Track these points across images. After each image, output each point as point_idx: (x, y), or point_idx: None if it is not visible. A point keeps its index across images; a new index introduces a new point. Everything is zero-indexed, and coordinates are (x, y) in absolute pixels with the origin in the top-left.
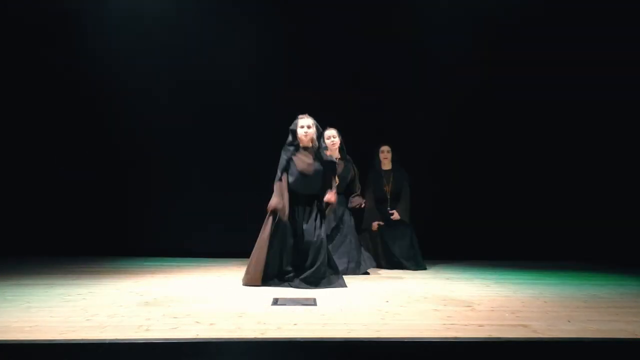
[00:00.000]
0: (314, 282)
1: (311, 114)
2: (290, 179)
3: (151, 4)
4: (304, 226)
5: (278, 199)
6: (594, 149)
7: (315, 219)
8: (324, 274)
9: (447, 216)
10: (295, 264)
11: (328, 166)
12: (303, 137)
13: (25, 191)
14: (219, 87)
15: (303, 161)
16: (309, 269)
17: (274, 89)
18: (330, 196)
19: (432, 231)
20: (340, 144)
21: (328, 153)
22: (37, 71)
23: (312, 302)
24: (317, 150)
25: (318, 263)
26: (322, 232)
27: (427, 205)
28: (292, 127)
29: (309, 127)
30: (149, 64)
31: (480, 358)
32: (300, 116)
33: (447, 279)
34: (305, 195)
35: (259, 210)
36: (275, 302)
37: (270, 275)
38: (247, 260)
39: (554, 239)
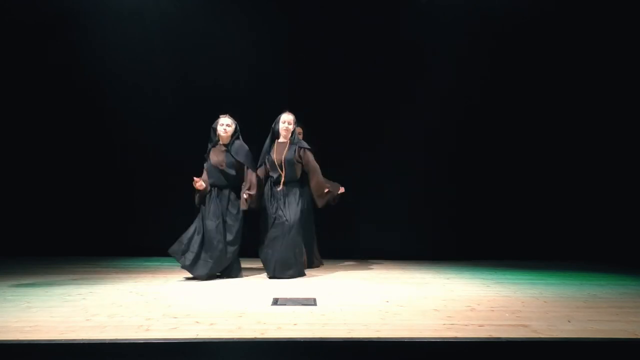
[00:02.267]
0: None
1: (312, 115)
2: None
3: (152, 3)
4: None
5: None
6: (594, 148)
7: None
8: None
9: (447, 216)
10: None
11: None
12: (222, 134)
13: (26, 191)
14: (221, 88)
15: (216, 155)
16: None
17: (275, 89)
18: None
19: (432, 231)
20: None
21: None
22: (37, 70)
23: (312, 302)
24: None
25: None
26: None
27: (427, 206)
28: (213, 125)
29: (228, 125)
30: (151, 63)
31: (480, 358)
32: (221, 115)
33: (447, 279)
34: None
35: (259, 212)
36: (275, 302)
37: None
38: (247, 260)
39: (554, 239)
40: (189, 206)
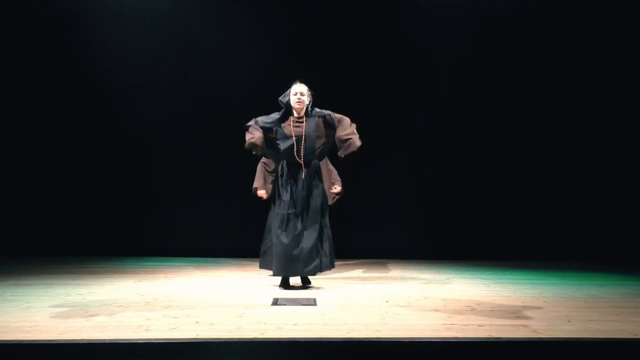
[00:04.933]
0: None
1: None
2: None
3: (152, 3)
4: None
5: None
6: (594, 148)
7: None
8: None
9: (447, 216)
10: None
11: None
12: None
13: (26, 191)
14: (221, 88)
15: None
16: None
17: (274, 90)
18: None
19: (432, 231)
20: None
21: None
22: (37, 70)
23: (312, 302)
24: None
25: None
26: None
27: (426, 206)
28: None
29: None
30: (151, 64)
31: (480, 358)
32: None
33: (447, 279)
34: None
35: (259, 211)
36: (275, 302)
37: None
38: (246, 260)
39: (554, 239)
40: (189, 206)
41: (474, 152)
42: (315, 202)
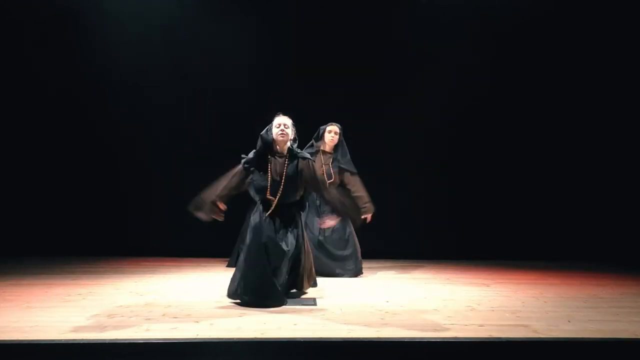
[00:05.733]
0: None
1: (311, 115)
2: None
3: (152, 3)
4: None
5: None
6: (594, 148)
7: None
8: None
9: (447, 216)
10: None
11: None
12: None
13: (26, 191)
14: (221, 88)
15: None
16: None
17: (274, 90)
18: None
19: (432, 231)
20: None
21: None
22: (35, 71)
23: (312, 302)
24: None
25: None
26: None
27: (427, 205)
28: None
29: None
30: (148, 64)
31: (480, 358)
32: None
33: (447, 279)
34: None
35: None
36: None
37: None
38: None
39: (554, 238)
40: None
41: (474, 152)
42: (291, 244)
